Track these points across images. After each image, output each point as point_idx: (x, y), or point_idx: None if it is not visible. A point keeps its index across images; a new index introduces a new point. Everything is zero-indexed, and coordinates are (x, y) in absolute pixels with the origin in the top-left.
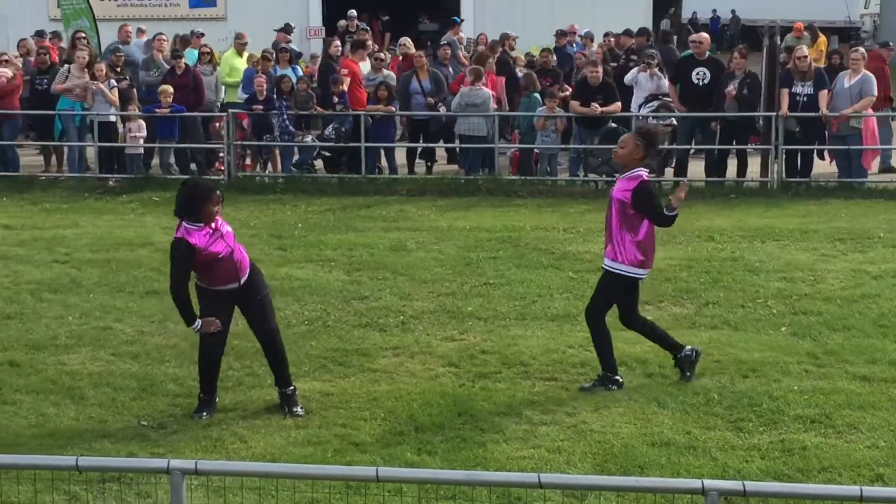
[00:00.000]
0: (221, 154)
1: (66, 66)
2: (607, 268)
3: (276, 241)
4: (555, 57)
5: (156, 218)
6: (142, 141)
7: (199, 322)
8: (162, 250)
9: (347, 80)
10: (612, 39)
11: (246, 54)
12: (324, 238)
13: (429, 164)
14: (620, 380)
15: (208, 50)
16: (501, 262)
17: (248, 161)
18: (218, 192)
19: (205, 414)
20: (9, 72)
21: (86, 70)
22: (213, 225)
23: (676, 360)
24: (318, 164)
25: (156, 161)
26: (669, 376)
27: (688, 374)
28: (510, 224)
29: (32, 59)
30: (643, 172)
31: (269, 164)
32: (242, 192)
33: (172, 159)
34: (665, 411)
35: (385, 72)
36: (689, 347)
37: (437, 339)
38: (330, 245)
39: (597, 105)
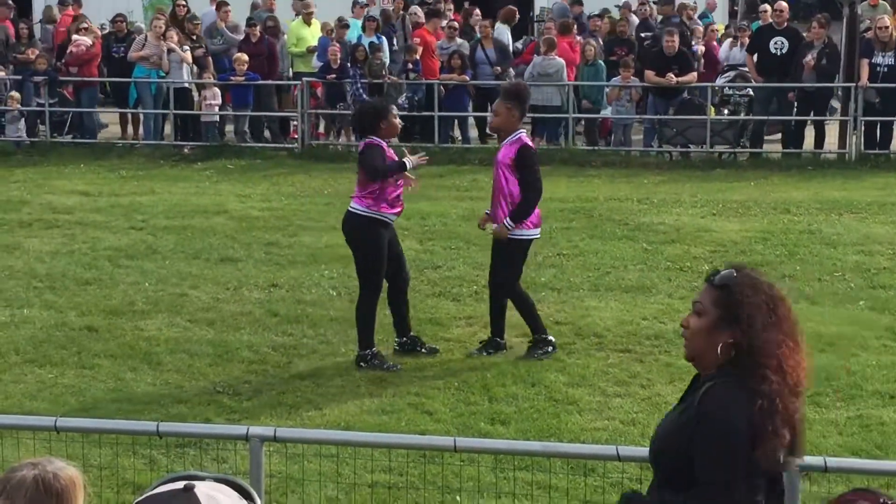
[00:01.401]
0: (295, 122)
1: (143, 34)
2: (511, 235)
3: None
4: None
5: (230, 185)
6: (217, 109)
7: (409, 161)
8: (236, 218)
9: (420, 49)
10: (649, 8)
11: (315, 22)
12: None
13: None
14: (553, 339)
15: (272, 23)
16: (575, 232)
17: (321, 129)
18: (393, 108)
19: (392, 365)
20: (88, 40)
21: (162, 39)
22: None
23: (493, 340)
24: None
25: (230, 129)
26: None
27: (488, 350)
28: (584, 194)
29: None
30: (523, 133)
31: (342, 133)
32: (316, 160)
33: (247, 127)
34: None
35: (458, 41)
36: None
37: (510, 310)
38: (403, 214)
39: (672, 75)
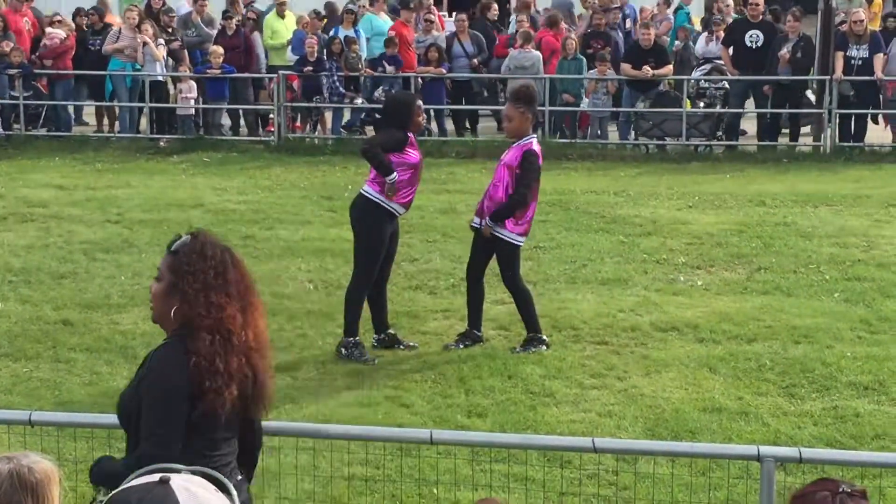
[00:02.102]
0: (271, 116)
1: (118, 27)
2: (498, 234)
3: (325, 203)
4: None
5: (206, 178)
6: (193, 102)
7: (395, 174)
8: (213, 211)
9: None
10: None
11: (290, 15)
12: None
13: (472, 125)
14: (546, 339)
15: (253, 15)
16: (552, 225)
17: (297, 122)
18: (419, 101)
19: (368, 358)
20: (62, 32)
21: (136, 30)
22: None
23: (470, 332)
24: (369, 128)
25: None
26: (721, 342)
27: (465, 343)
28: (561, 187)
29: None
30: (534, 139)
31: (319, 126)
32: (292, 153)
33: (223, 120)
34: (716, 377)
35: (435, 33)
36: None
37: (486, 303)
38: None
39: (648, 68)
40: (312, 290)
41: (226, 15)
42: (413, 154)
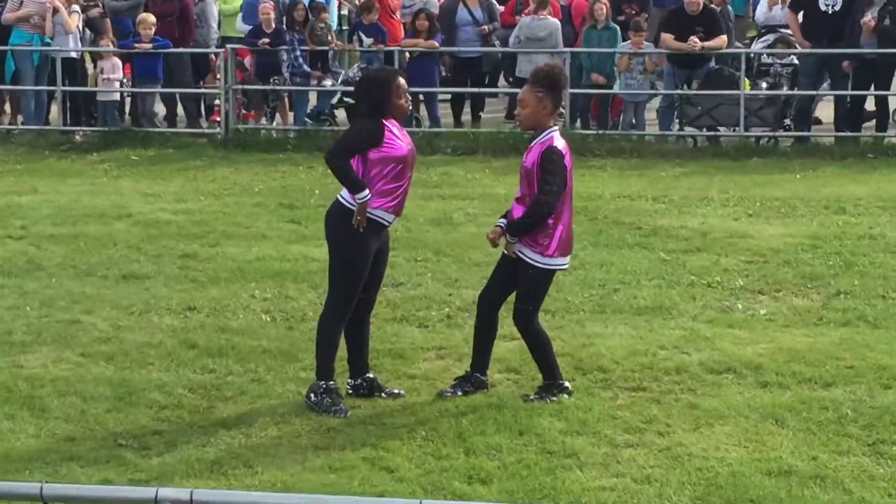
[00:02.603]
0: (217, 102)
1: None
2: (524, 258)
3: (286, 213)
4: None
5: (134, 181)
6: (117, 85)
7: (367, 193)
8: (142, 224)
9: (377, 8)
10: None
11: None
12: None
13: (479, 114)
14: (569, 386)
15: None
16: (574, 239)
17: (250, 111)
18: (400, 79)
19: (341, 410)
20: None
21: None
22: (398, 127)
23: (473, 376)
24: (340, 114)
25: (135, 110)
26: (790, 386)
27: (465, 389)
28: (585, 191)
29: None
30: (556, 133)
31: (278, 115)
32: (243, 149)
33: (156, 108)
34: (784, 431)
35: None
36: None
37: (499, 340)
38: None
39: (696, 39)
40: (269, 322)
41: None
42: (398, 143)
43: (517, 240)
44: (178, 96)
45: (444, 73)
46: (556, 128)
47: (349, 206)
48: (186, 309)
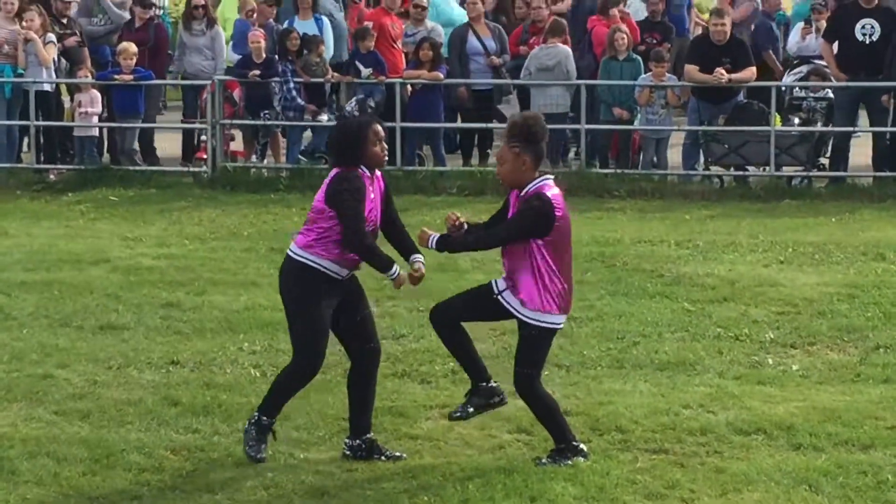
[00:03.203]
0: (203, 137)
1: None
2: (526, 319)
3: (277, 258)
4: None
5: (113, 225)
6: (96, 119)
7: (397, 269)
8: (122, 270)
9: (375, 37)
10: None
11: None
12: None
13: (488, 151)
14: (584, 448)
15: (202, 1)
16: (590, 287)
17: (238, 147)
18: (376, 126)
19: (259, 452)
20: None
21: (16, 20)
22: (371, 177)
23: (478, 388)
24: None
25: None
26: (825, 449)
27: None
28: (602, 235)
29: None
30: (549, 181)
31: (269, 152)
32: (231, 189)
33: (136, 144)
34: (819, 497)
35: (429, 24)
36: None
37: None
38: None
39: (723, 71)
40: (259, 377)
41: (136, 0)
42: (369, 200)
43: (436, 250)
44: (156, 132)
45: (466, 106)
46: (548, 177)
47: (300, 260)
48: (169, 363)
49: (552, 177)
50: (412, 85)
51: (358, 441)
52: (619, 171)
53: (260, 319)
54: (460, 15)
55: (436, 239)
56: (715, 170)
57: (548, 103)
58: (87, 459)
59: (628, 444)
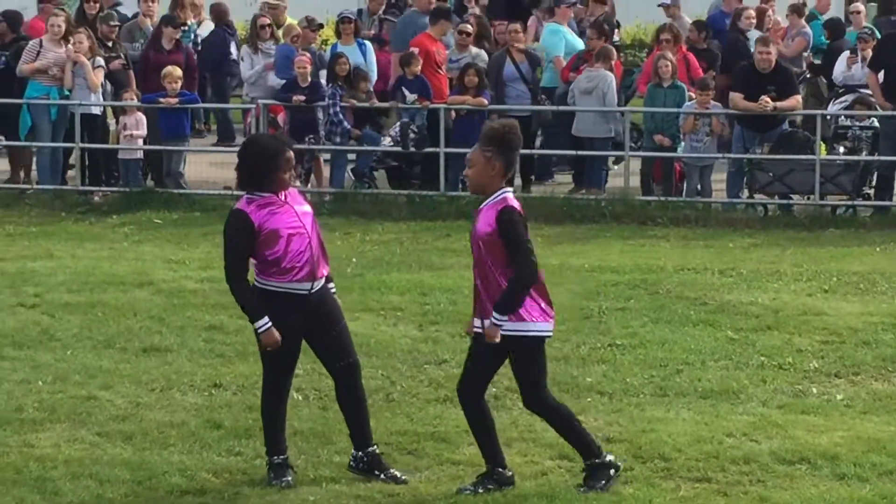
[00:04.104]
0: None
1: (37, 39)
2: (508, 332)
3: None
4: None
5: (157, 247)
6: (140, 142)
7: (266, 321)
8: (165, 293)
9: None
10: None
11: (291, 23)
12: (387, 278)
13: (531, 177)
14: (613, 460)
15: (268, 21)
16: (633, 315)
17: None
18: (289, 153)
19: (283, 481)
20: None
21: (63, 43)
22: (282, 195)
23: (495, 471)
24: (380, 175)
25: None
26: (869, 479)
27: (487, 486)
28: (646, 263)
29: None
30: (509, 194)
31: (313, 176)
32: None
33: (182, 167)
34: None
35: (474, 50)
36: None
37: (543, 422)
38: (396, 288)
39: (768, 99)
40: (301, 401)
41: (166, 20)
42: (280, 216)
43: (506, 319)
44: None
45: None
46: (510, 189)
47: (262, 286)
48: (211, 386)
49: (511, 190)
50: (456, 110)
51: (360, 453)
52: (662, 198)
53: (302, 344)
54: (581, 44)
55: (495, 319)
56: (759, 198)
57: (584, 128)
58: (130, 481)
59: (671, 472)
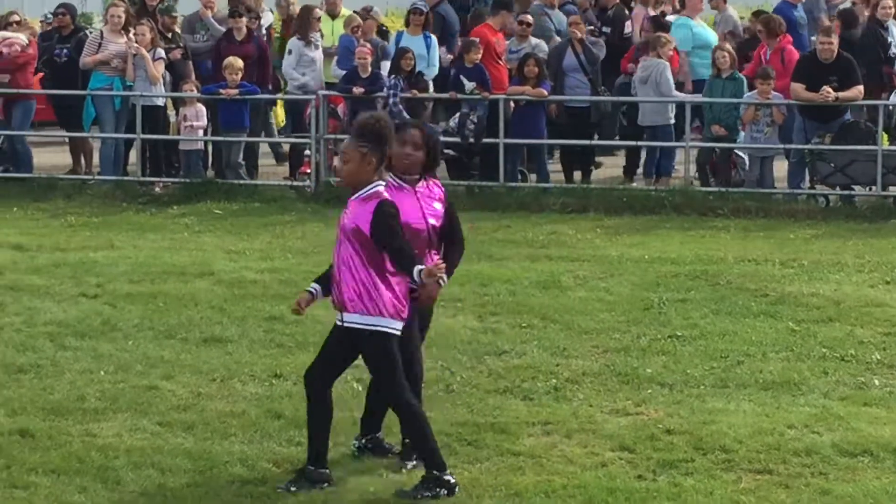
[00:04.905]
0: (307, 152)
1: (98, 30)
2: (358, 325)
3: None
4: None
5: (217, 238)
6: (201, 133)
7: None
8: (226, 283)
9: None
10: None
11: (347, 13)
12: None
13: (591, 167)
14: (453, 481)
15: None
16: (693, 306)
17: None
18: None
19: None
20: (22, 37)
21: (124, 33)
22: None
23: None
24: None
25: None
26: None
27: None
28: (706, 254)
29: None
30: (381, 187)
31: None
32: (335, 203)
33: (241, 158)
34: None
35: (534, 41)
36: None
37: (603, 412)
38: (455, 278)
39: (829, 89)
40: (361, 392)
41: (233, 12)
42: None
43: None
44: (260, 146)
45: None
46: (382, 182)
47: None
48: (272, 376)
49: (384, 182)
50: (515, 101)
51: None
52: (722, 189)
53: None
54: (714, 36)
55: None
56: (820, 189)
57: (643, 118)
58: (191, 471)
59: (732, 464)
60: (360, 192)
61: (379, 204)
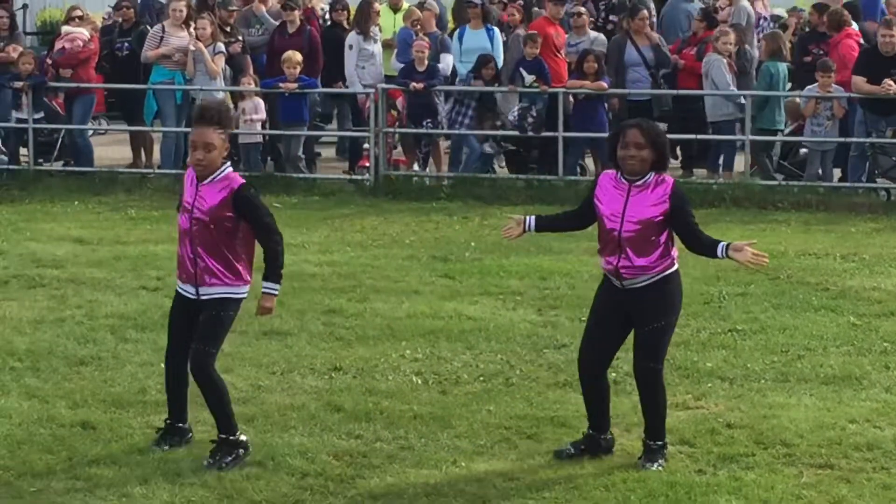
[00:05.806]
0: (366, 146)
1: (160, 24)
2: (226, 295)
3: (439, 266)
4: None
5: None
6: (260, 126)
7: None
8: (285, 275)
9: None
10: None
11: (407, 6)
12: (506, 262)
13: None
14: (246, 440)
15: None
16: (754, 300)
17: (401, 155)
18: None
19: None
20: (85, 32)
21: (185, 27)
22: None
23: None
24: (499, 160)
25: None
26: None
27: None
28: (766, 247)
29: None
30: (230, 170)
31: (431, 161)
32: (394, 197)
33: (301, 151)
34: None
35: (592, 34)
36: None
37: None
38: (514, 272)
39: (891, 82)
40: (420, 385)
41: (288, 4)
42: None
43: (279, 288)
44: (318, 140)
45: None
46: (230, 165)
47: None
48: (331, 369)
49: (230, 164)
50: (574, 95)
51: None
52: (783, 182)
53: (422, 327)
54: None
55: (270, 290)
56: (882, 183)
57: (714, 112)
58: (251, 463)
59: (793, 459)
60: (213, 178)
61: (240, 186)
